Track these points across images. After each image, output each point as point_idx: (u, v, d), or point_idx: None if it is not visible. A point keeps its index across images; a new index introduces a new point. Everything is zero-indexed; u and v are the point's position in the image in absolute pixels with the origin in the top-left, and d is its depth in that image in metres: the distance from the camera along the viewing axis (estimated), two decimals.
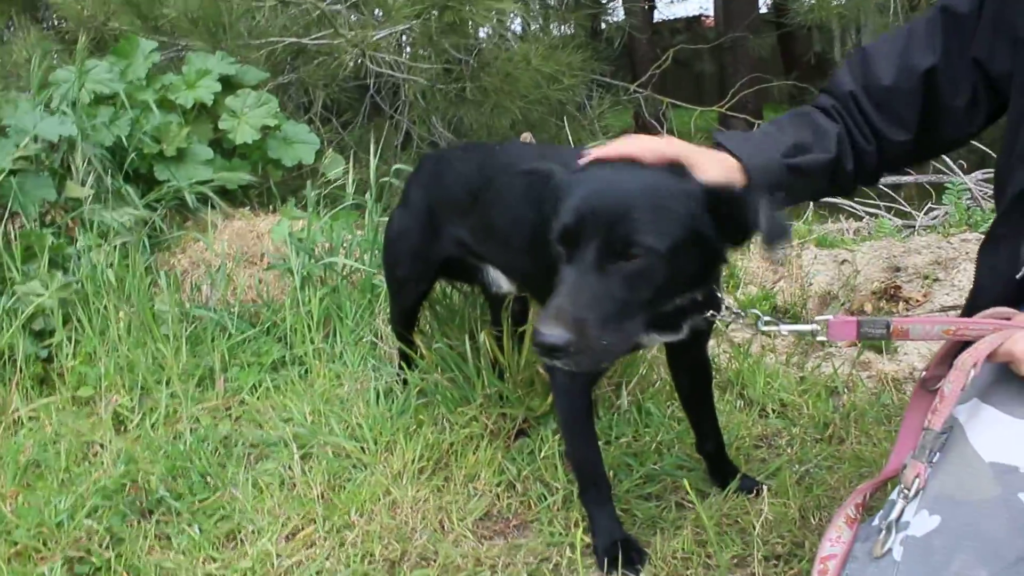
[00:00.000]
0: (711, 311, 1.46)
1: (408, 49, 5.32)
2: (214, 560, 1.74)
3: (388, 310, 2.30)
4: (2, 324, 2.44)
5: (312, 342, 2.54)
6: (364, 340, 2.52)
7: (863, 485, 1.29)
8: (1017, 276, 1.29)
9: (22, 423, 2.24)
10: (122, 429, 2.23)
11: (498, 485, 1.89)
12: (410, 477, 1.92)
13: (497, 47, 5.38)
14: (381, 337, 2.53)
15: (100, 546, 1.76)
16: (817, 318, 1.33)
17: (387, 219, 2.17)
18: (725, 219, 1.28)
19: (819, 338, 1.35)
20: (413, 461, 1.95)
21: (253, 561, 1.71)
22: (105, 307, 2.56)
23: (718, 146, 1.41)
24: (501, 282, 1.98)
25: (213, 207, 3.52)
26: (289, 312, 2.67)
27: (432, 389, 2.12)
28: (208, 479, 2.00)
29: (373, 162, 3.03)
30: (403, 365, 2.25)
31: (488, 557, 1.68)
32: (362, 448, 2.03)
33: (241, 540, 1.79)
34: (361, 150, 4.99)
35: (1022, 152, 1.31)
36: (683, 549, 1.66)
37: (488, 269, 1.98)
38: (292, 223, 2.96)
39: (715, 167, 1.34)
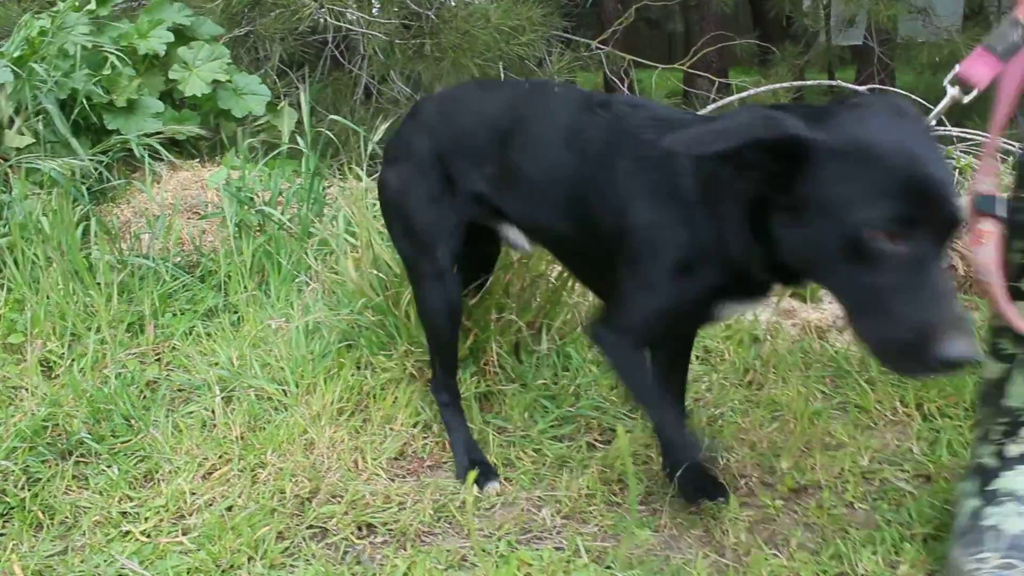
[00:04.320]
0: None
1: (377, 5, 5.26)
2: (130, 499, 1.76)
3: (418, 299, 1.81)
4: None
5: (246, 289, 2.54)
6: (296, 286, 2.53)
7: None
8: None
9: None
10: (50, 375, 2.24)
11: (414, 426, 1.92)
12: (329, 418, 1.94)
13: (458, 2, 5.33)
14: (315, 278, 2.53)
15: (15, 486, 1.78)
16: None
17: (377, 184, 1.83)
18: None
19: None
20: (332, 403, 1.97)
21: (167, 499, 1.73)
22: (36, 255, 2.55)
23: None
24: (522, 241, 1.73)
25: (161, 159, 3.49)
26: (224, 260, 2.67)
27: (355, 332, 2.13)
28: (132, 422, 2.01)
29: (305, 108, 3.00)
30: (447, 402, 1.84)
31: (398, 494, 1.71)
32: (284, 391, 2.05)
33: (158, 480, 1.81)
34: (321, 105, 4.95)
35: None
36: (588, 487, 1.69)
37: (508, 230, 1.71)
38: (231, 172, 2.95)
39: None
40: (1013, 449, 1.39)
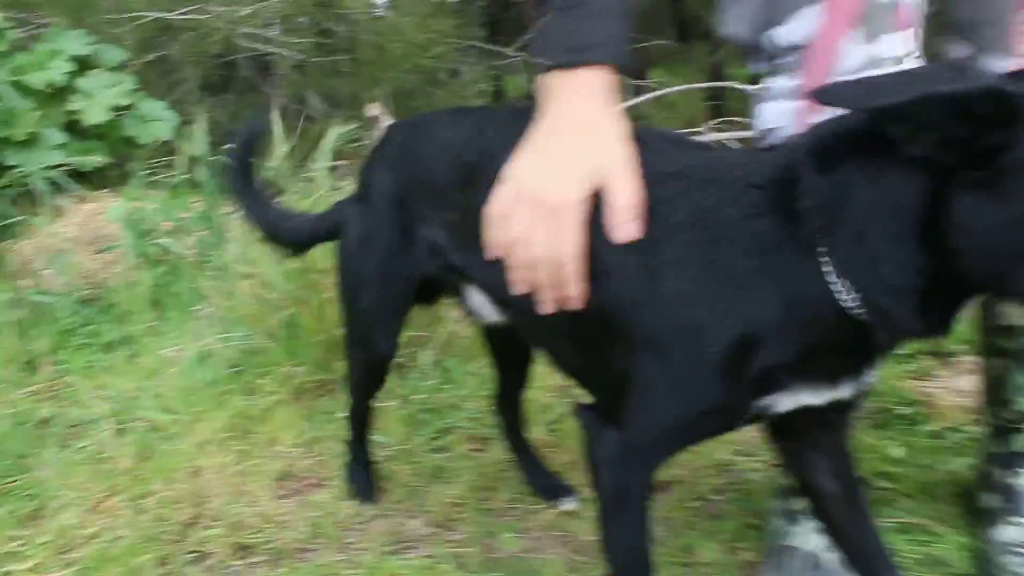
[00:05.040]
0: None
1: (279, 24, 5.29)
2: (16, 539, 1.79)
3: (347, 364, 1.68)
4: None
5: (143, 321, 2.58)
6: (193, 314, 2.57)
7: None
8: None
9: None
10: None
11: (297, 446, 1.98)
12: (216, 444, 1.99)
13: (370, 19, 5.38)
14: (210, 305, 2.57)
15: None
16: None
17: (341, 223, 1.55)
18: None
19: None
20: (220, 429, 2.02)
21: (54, 535, 1.77)
22: None
23: None
24: (487, 311, 1.39)
25: (65, 191, 3.50)
26: (124, 292, 2.71)
27: (243, 358, 2.19)
28: (23, 460, 2.04)
29: (203, 136, 3.04)
30: (358, 445, 1.78)
31: (277, 514, 1.77)
32: (174, 420, 2.10)
33: (46, 516, 1.85)
34: (236, 125, 4.97)
35: None
36: (459, 496, 1.77)
37: (471, 294, 1.39)
38: (131, 204, 2.98)
39: None
40: None
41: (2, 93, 3.63)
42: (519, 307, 1.21)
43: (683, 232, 1.04)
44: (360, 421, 1.75)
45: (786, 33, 1.23)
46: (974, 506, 1.52)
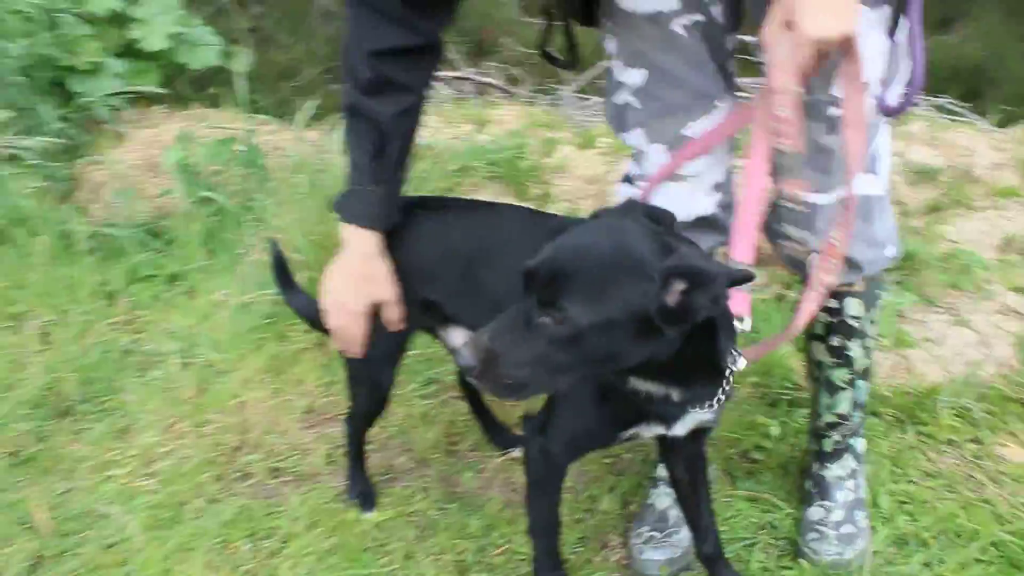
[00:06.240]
0: (708, 401, 1.47)
1: None
2: (113, 450, 2.44)
3: (352, 401, 2.08)
4: None
5: (197, 260, 3.14)
6: (240, 259, 3.11)
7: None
8: None
9: None
10: (46, 343, 2.88)
11: (319, 387, 2.57)
12: (257, 382, 2.59)
13: None
14: (252, 252, 3.11)
15: (30, 442, 2.46)
16: None
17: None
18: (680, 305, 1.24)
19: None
20: (259, 370, 2.61)
21: (139, 450, 2.41)
22: (24, 233, 3.13)
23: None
24: (459, 342, 1.84)
25: (124, 119, 3.98)
26: (181, 230, 3.25)
27: (276, 310, 2.75)
28: (114, 383, 2.67)
29: (246, 57, 3.44)
30: (356, 463, 2.18)
31: (302, 443, 2.39)
32: (224, 359, 2.69)
33: (133, 434, 2.49)
34: (279, 33, 5.28)
35: None
36: (435, 439, 2.36)
37: (455, 335, 1.87)
38: (182, 148, 3.45)
39: None
40: None
41: (65, 21, 4.05)
42: None
43: None
44: (358, 447, 2.15)
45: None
46: (802, 488, 2.06)
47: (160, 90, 4.15)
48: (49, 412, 2.56)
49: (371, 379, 1.98)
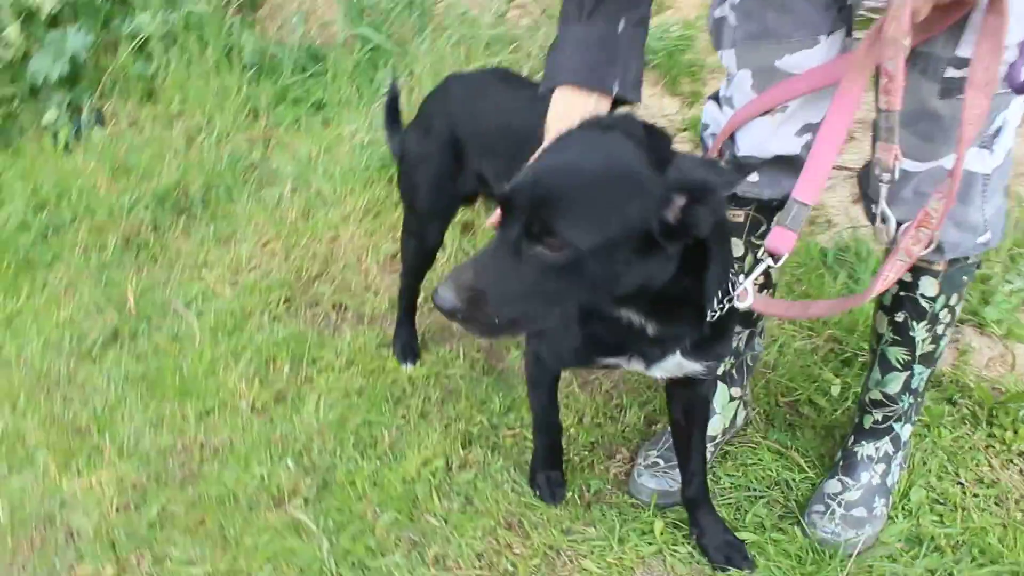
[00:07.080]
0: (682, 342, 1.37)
1: None
2: (211, 252, 2.58)
3: (403, 253, 2.11)
4: (120, 47, 3.26)
5: (341, 92, 3.17)
6: (379, 99, 3.11)
7: None
8: None
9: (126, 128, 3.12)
10: (190, 143, 3.05)
11: None
12: (355, 219, 2.62)
13: None
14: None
15: (145, 230, 2.64)
16: None
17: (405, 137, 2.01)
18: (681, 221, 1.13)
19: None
20: (359, 209, 2.63)
21: (231, 259, 2.53)
22: (192, 41, 3.28)
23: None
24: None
25: None
26: (338, 63, 3.28)
27: (390, 158, 2.73)
28: (232, 191, 2.80)
29: None
30: (405, 316, 2.18)
31: (374, 286, 2.40)
32: (332, 191, 2.73)
33: (232, 242, 2.61)
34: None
35: None
36: None
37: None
38: None
39: None
40: None
41: None
42: None
43: None
44: (409, 299, 2.17)
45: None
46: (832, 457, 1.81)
47: None
48: (170, 207, 2.73)
49: (419, 233, 2.01)
